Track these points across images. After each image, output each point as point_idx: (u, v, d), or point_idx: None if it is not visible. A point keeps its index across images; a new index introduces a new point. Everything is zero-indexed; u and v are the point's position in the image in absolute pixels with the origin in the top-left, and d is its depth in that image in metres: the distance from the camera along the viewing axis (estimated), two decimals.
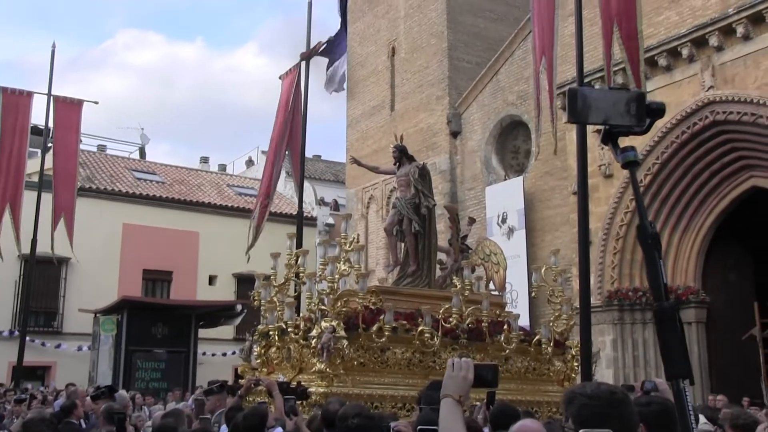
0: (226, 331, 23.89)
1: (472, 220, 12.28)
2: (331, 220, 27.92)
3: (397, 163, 10.40)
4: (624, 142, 2.02)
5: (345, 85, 16.28)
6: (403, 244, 10.25)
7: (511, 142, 20.80)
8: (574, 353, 9.64)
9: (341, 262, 8.31)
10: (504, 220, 19.04)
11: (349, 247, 8.35)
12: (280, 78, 15.57)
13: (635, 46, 8.42)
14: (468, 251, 11.02)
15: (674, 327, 1.83)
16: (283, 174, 30.74)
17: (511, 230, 18.77)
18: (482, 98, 21.02)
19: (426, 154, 21.52)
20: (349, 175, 24.99)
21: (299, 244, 11.86)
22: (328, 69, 15.50)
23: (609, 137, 2.02)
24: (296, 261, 9.29)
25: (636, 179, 2.14)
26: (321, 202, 29.73)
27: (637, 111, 1.95)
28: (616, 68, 11.45)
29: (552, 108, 8.46)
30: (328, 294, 8.18)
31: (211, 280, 25.63)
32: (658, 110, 1.99)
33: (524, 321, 13.83)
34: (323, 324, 7.97)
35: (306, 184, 27.55)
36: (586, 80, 10.96)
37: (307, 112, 14.76)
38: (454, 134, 21.51)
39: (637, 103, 1.95)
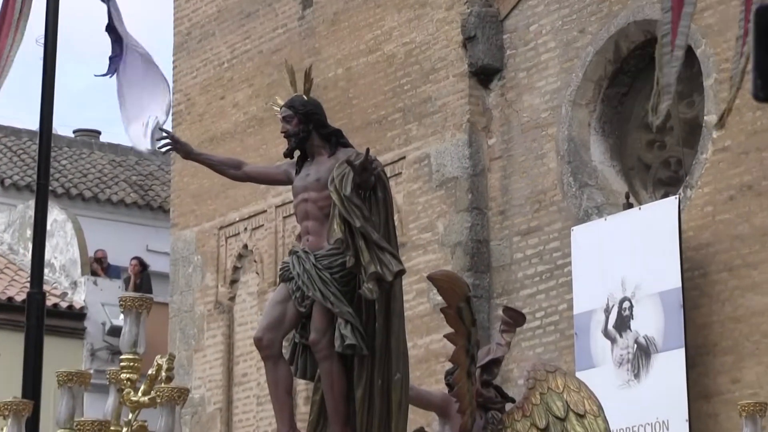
0: None
1: (515, 320, 12.31)
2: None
3: (297, 155, 10.80)
4: None
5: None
6: (313, 386, 10.77)
7: (643, 102, 20.83)
8: None
9: None
10: (624, 323, 19.50)
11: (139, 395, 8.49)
12: None
13: None
14: (501, 405, 11.40)
15: None
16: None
17: (642, 350, 19.29)
18: None
19: (402, 130, 22.21)
20: (181, 189, 25.62)
21: (32, 391, 12.37)
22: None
23: None
24: None
25: None
26: (97, 266, 30.54)
27: None
28: None
29: None
30: None
31: None
32: None
33: None
34: None
35: (56, 213, 27.38)
36: None
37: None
38: (484, 75, 22.09)
39: None
